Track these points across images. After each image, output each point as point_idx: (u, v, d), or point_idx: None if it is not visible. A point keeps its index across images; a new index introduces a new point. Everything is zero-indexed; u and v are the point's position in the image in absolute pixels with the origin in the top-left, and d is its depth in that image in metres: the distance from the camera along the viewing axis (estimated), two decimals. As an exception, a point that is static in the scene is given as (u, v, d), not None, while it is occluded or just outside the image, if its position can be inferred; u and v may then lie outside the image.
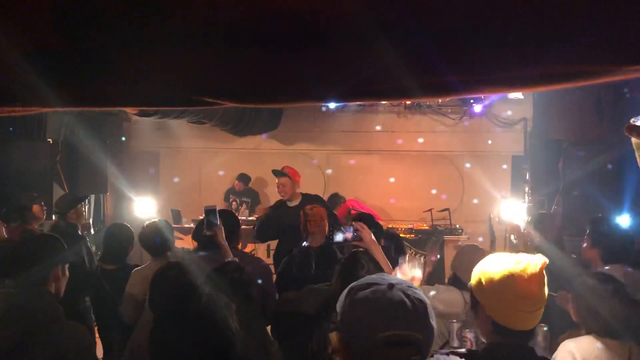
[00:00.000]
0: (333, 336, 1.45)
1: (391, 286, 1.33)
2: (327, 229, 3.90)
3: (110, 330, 3.76)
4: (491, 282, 1.72)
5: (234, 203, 8.27)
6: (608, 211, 4.69)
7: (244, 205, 8.22)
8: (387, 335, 1.27)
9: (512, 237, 5.28)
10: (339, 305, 1.42)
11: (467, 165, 8.85)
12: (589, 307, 2.43)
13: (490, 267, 1.76)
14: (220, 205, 8.29)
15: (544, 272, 1.71)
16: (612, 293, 2.39)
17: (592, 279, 2.55)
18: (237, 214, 7.23)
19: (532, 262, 1.71)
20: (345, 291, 1.41)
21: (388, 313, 1.29)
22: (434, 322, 1.34)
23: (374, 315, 1.30)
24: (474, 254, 3.19)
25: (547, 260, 1.72)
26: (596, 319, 2.39)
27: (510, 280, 1.69)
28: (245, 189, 8.50)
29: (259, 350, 2.67)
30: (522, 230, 4.30)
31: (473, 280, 1.78)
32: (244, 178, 8.50)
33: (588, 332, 2.42)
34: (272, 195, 8.91)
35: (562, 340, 2.48)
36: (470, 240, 7.60)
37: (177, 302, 1.79)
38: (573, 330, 2.67)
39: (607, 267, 3.27)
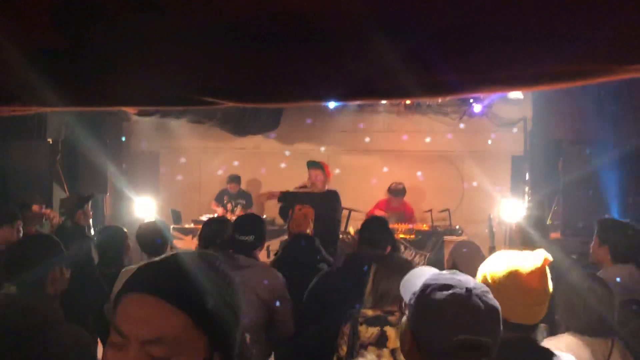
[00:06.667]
0: (400, 331, 1.49)
1: (469, 291, 1.37)
2: (311, 229, 3.94)
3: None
4: (495, 278, 1.78)
5: (228, 205, 8.25)
6: (606, 211, 4.69)
7: (239, 207, 8.20)
8: (461, 339, 1.32)
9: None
10: (410, 298, 1.46)
11: (467, 165, 8.85)
12: (568, 305, 2.44)
13: (495, 265, 1.82)
14: (211, 205, 8.31)
15: (547, 268, 1.77)
16: (590, 291, 2.40)
17: (574, 278, 2.55)
18: (232, 215, 7.34)
19: (534, 257, 1.77)
20: (420, 288, 1.43)
21: (464, 318, 1.34)
22: (501, 327, 1.39)
23: (450, 319, 1.34)
24: (471, 249, 3.23)
25: (549, 257, 1.77)
26: (574, 317, 2.41)
27: (513, 275, 1.75)
28: (239, 190, 8.47)
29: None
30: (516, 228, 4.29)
31: (478, 280, 1.81)
32: (235, 179, 8.46)
33: (567, 330, 2.43)
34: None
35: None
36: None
37: None
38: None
39: (613, 267, 3.28)
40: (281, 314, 3.22)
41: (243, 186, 8.74)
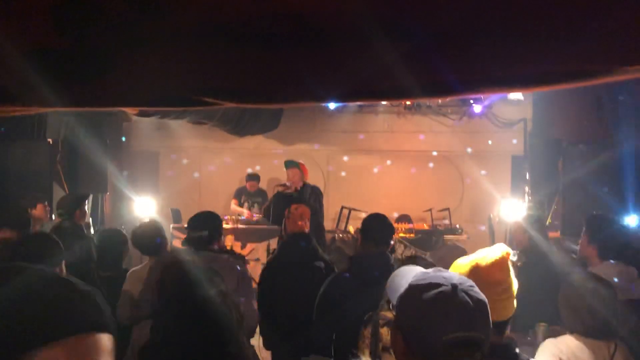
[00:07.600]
0: (391, 334, 1.47)
1: (455, 287, 1.34)
2: (308, 227, 3.95)
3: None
4: None
5: (245, 203, 8.27)
6: (607, 211, 4.69)
7: (256, 206, 8.21)
8: (452, 337, 1.30)
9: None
10: (397, 301, 1.44)
11: (467, 165, 8.85)
12: (572, 306, 2.43)
13: (458, 266, 1.85)
14: (229, 204, 8.34)
15: (508, 261, 1.81)
16: (594, 293, 2.39)
17: (577, 279, 2.54)
18: (251, 212, 7.58)
19: (493, 251, 1.81)
20: (405, 290, 1.41)
21: (453, 316, 1.32)
22: (490, 320, 1.37)
23: (439, 318, 1.32)
24: (454, 253, 3.24)
25: (509, 251, 1.80)
26: (578, 319, 2.39)
27: (474, 269, 1.78)
28: (257, 189, 8.47)
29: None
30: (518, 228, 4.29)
31: None
32: (255, 177, 8.46)
33: (570, 332, 2.42)
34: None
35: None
36: (471, 240, 7.60)
37: (186, 291, 1.79)
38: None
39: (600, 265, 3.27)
40: (246, 302, 3.26)
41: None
